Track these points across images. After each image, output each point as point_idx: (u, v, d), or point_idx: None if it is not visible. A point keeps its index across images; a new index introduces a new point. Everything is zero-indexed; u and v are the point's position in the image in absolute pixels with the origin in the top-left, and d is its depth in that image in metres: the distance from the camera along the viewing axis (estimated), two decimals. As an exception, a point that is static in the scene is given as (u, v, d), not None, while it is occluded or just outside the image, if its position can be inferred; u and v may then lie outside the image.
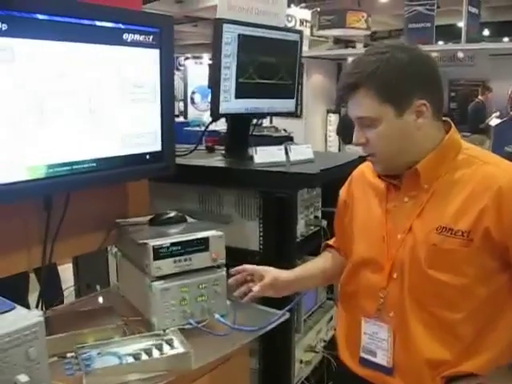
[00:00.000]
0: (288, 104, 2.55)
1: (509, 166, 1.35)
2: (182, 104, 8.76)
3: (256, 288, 1.63)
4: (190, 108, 8.86)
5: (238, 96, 2.23)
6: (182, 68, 9.18)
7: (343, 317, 1.61)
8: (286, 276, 1.68)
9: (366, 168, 1.61)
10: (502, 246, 1.29)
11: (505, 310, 1.35)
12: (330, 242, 1.80)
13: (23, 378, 1.22)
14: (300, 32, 2.52)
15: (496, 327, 1.34)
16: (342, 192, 1.69)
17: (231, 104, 2.23)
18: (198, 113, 8.63)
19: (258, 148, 2.16)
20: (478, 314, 1.33)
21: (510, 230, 1.27)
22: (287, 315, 1.83)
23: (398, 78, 1.31)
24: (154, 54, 1.79)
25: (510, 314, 1.35)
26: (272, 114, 2.58)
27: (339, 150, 10.21)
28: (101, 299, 2.03)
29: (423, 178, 1.37)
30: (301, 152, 2.28)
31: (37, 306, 1.78)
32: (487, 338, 1.34)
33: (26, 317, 1.28)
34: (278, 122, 7.65)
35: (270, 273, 1.66)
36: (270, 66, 2.34)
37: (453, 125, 1.42)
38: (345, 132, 8.26)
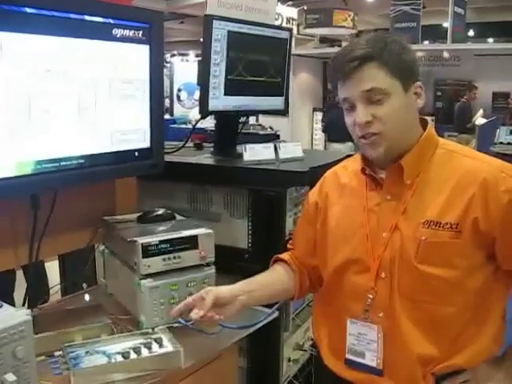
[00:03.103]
0: (277, 102, 2.54)
1: (490, 158, 1.38)
2: (167, 101, 8.73)
3: (194, 315, 1.40)
4: (176, 105, 8.84)
5: (227, 93, 2.22)
6: (168, 65, 9.13)
7: (323, 322, 1.58)
8: (225, 290, 1.47)
9: (339, 170, 1.59)
10: (489, 236, 1.30)
11: (491, 301, 1.36)
12: (282, 256, 1.68)
13: (10, 377, 1.21)
14: (290, 30, 2.52)
15: (483, 319, 1.35)
16: (312, 194, 1.63)
17: (220, 101, 2.21)
18: (184, 110, 8.62)
19: (248, 146, 2.15)
20: (468, 306, 1.33)
21: (496, 221, 1.28)
22: (276, 314, 1.82)
23: (403, 56, 1.34)
24: (144, 49, 1.77)
25: (495, 305, 1.37)
26: (261, 112, 2.57)
27: (325, 148, 10.25)
28: (88, 297, 2.01)
29: (406, 173, 1.37)
30: (290, 150, 2.27)
31: (23, 304, 1.76)
32: (475, 331, 1.35)
33: (13, 315, 1.26)
34: (263, 119, 7.66)
35: (211, 292, 1.44)
36: (259, 63, 2.34)
37: (428, 121, 1.44)
38: (331, 129, 8.27)
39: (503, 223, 1.28)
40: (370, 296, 1.40)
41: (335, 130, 7.82)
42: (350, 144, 7.26)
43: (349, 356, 1.46)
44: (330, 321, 1.55)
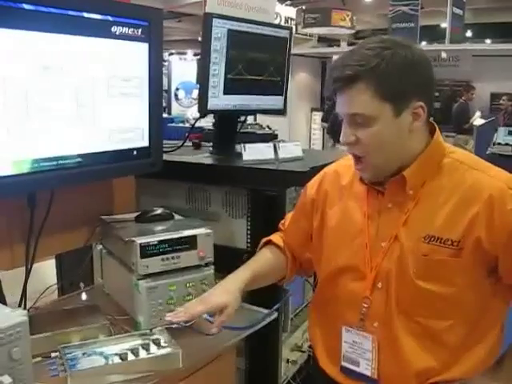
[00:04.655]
0: (276, 101, 2.53)
1: (497, 172, 1.32)
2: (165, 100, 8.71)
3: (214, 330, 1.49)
4: (174, 104, 8.80)
5: (226, 92, 2.20)
6: (165, 64, 9.09)
7: (318, 324, 1.56)
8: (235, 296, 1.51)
9: (340, 168, 1.53)
10: (492, 254, 1.26)
11: (490, 314, 1.34)
12: (275, 240, 1.68)
13: (6, 379, 1.19)
14: (290, 28, 2.50)
15: (482, 332, 1.33)
16: (311, 189, 1.58)
17: (219, 100, 2.20)
18: (182, 109, 8.58)
19: (247, 145, 2.14)
20: (466, 320, 1.31)
21: (500, 239, 1.24)
22: (275, 314, 1.80)
23: (402, 76, 1.24)
24: (143, 47, 1.75)
25: (495, 317, 1.35)
26: (260, 111, 2.56)
27: (323, 148, 10.24)
28: (85, 297, 1.99)
29: (409, 184, 1.32)
30: (290, 150, 2.26)
31: (19, 305, 1.74)
32: (473, 343, 1.32)
33: (9, 316, 1.24)
34: (261, 118, 7.62)
35: (231, 306, 1.49)
36: (259, 62, 2.32)
37: (436, 126, 1.38)
38: (335, 131, 8.28)
39: (507, 242, 1.24)
40: (365, 305, 1.37)
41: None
42: None
43: (344, 363, 1.43)
44: (326, 326, 1.52)
